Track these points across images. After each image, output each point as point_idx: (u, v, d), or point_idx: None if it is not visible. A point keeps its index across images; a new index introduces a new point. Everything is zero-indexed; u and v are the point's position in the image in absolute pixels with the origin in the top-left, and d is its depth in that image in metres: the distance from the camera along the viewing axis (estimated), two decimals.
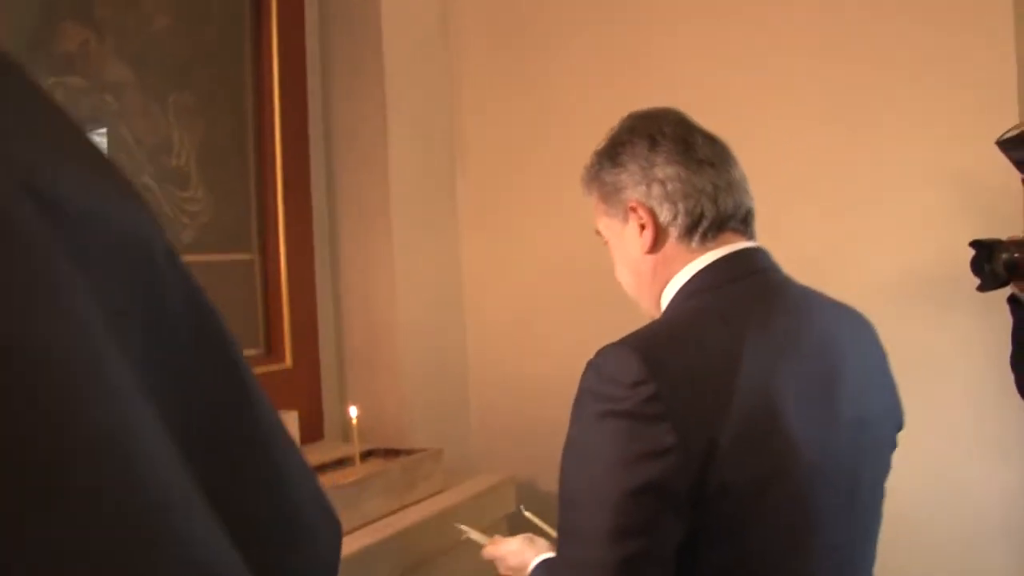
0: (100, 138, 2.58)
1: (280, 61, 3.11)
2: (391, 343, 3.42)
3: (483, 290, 3.61)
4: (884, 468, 1.44)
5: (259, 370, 3.07)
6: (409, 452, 3.13)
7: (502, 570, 1.64)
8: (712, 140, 1.43)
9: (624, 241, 1.45)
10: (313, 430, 3.33)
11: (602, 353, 1.26)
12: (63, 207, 0.50)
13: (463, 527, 1.95)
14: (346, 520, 1.67)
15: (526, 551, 1.58)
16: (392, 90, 3.33)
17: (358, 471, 2.82)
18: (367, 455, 3.10)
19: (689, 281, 1.37)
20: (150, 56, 2.70)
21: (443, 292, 3.59)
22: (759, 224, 1.48)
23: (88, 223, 0.51)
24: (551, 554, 1.51)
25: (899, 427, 1.48)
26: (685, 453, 1.17)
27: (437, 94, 3.59)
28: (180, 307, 0.61)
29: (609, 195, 1.45)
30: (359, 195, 3.42)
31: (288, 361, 3.20)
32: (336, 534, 0.70)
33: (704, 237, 1.37)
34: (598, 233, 1.52)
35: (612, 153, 1.44)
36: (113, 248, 0.54)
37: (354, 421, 2.79)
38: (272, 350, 3.19)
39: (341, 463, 3.02)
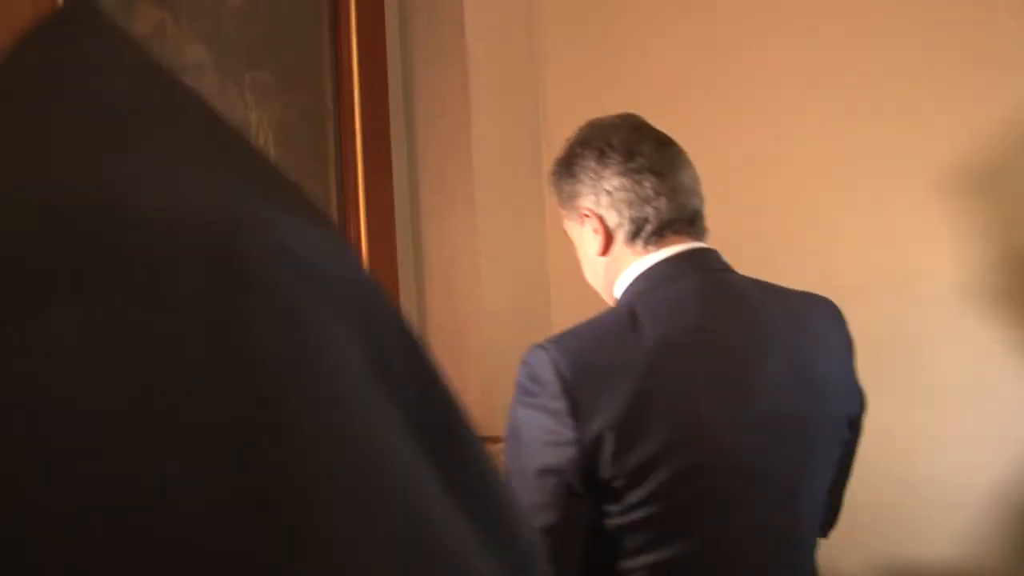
0: None
1: (359, 39, 3.01)
2: (477, 331, 3.28)
3: (569, 277, 3.44)
4: (823, 455, 1.49)
5: None
6: (495, 440, 3.01)
7: None
8: (663, 145, 1.54)
9: (582, 241, 1.61)
10: None
11: (528, 351, 1.45)
12: (315, 267, 0.43)
13: None
14: None
15: None
16: (475, 74, 3.20)
17: None
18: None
19: (633, 281, 1.50)
20: (225, 35, 2.63)
21: (529, 279, 3.43)
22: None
23: (335, 282, 0.45)
24: None
25: (855, 413, 1.55)
26: (579, 445, 1.33)
27: (522, 79, 3.44)
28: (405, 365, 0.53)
29: (566, 202, 1.61)
30: (442, 181, 3.31)
31: None
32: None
33: (648, 240, 1.50)
34: (565, 231, 1.69)
35: (567, 163, 1.60)
36: (359, 307, 0.48)
37: None
38: None
39: None
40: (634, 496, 1.36)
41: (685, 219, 1.52)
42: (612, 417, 1.34)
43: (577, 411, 1.35)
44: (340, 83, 2.99)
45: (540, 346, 1.44)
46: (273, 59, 2.79)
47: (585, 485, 1.36)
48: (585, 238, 1.60)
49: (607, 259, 1.57)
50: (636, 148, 1.52)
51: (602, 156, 1.54)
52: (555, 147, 3.42)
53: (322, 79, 2.97)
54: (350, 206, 3.04)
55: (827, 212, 2.73)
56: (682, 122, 2.88)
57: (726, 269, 1.53)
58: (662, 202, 1.49)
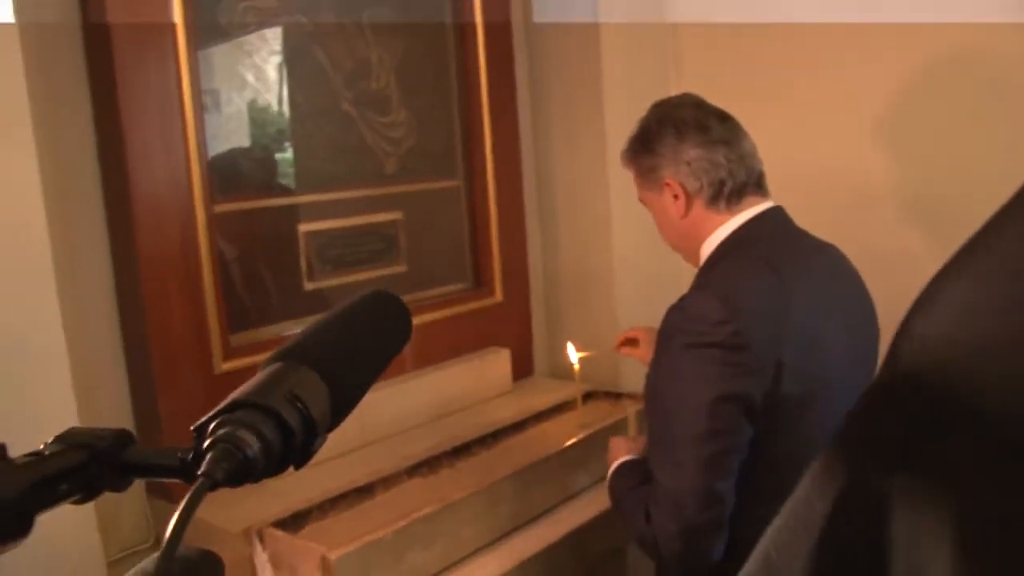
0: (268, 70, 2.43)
1: None
2: (607, 276, 3.15)
3: None
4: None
5: (468, 306, 2.90)
6: (631, 396, 2.90)
7: (608, 457, 1.96)
8: (724, 119, 1.74)
9: (663, 208, 1.79)
10: (523, 367, 3.13)
11: (687, 298, 1.63)
12: None
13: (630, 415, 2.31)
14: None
15: (621, 451, 1.91)
16: (606, 3, 3.00)
17: (582, 415, 2.63)
18: (587, 397, 2.89)
19: (727, 238, 1.72)
20: None
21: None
22: None
23: None
24: (628, 457, 1.86)
25: (877, 338, 1.80)
26: (761, 373, 1.54)
27: (653, 9, 3.22)
28: None
29: (646, 174, 1.80)
30: (569, 117, 3.14)
31: (499, 295, 3.00)
32: None
33: (729, 202, 1.72)
34: (641, 201, 1.87)
35: (645, 141, 1.78)
36: None
37: (576, 365, 2.56)
38: (482, 283, 3.00)
39: (560, 408, 2.83)
40: (781, 408, 1.58)
41: (754, 181, 1.74)
42: (783, 346, 1.56)
43: (753, 345, 1.54)
44: (461, 15, 2.84)
45: (701, 292, 1.63)
46: None
47: (760, 405, 1.56)
48: (665, 204, 1.78)
49: (688, 219, 1.76)
50: (706, 123, 1.72)
51: (679, 132, 1.72)
52: (686, 78, 3.32)
53: (443, 11, 2.82)
54: (476, 145, 2.92)
55: None
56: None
57: (791, 221, 1.78)
58: (733, 167, 1.70)
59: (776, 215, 1.78)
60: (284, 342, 0.82)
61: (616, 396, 2.92)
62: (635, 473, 1.82)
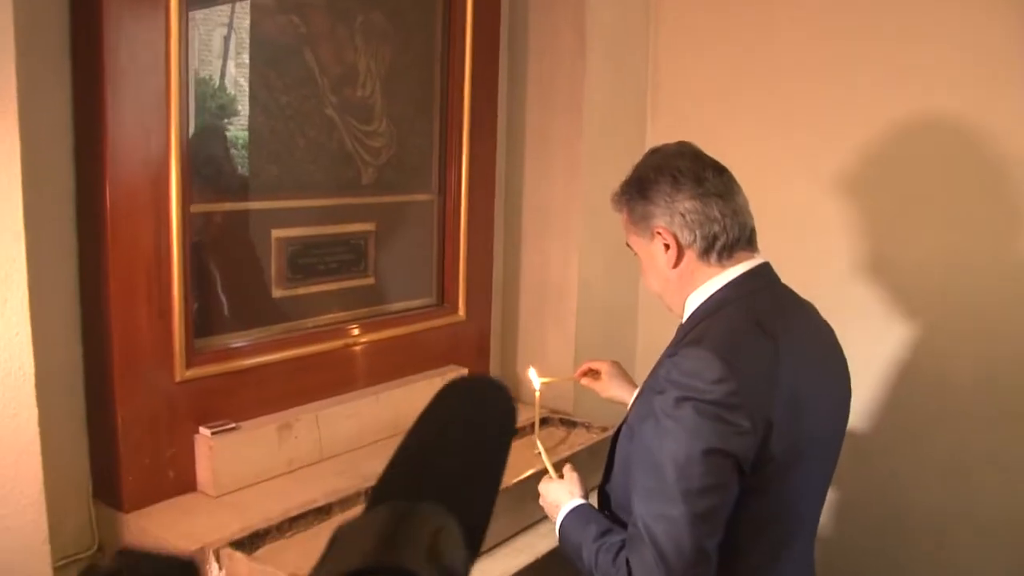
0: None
1: None
2: (568, 299, 3.14)
3: None
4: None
5: (430, 323, 2.86)
6: (585, 425, 2.89)
7: (541, 502, 1.93)
8: (720, 172, 1.74)
9: (651, 256, 1.78)
10: None
11: (683, 353, 1.60)
12: None
13: (540, 447, 2.14)
14: None
15: (563, 495, 1.87)
16: (592, 24, 2.99)
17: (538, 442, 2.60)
18: (541, 423, 2.87)
19: (717, 292, 1.72)
20: None
21: (624, 247, 3.28)
22: None
23: None
24: (582, 501, 1.84)
25: (850, 399, 1.83)
26: (753, 433, 1.54)
27: (636, 32, 3.22)
28: None
29: (638, 221, 1.77)
30: (545, 138, 3.12)
31: (461, 312, 2.96)
32: None
33: (720, 256, 1.71)
34: (628, 246, 1.85)
35: (640, 188, 1.76)
36: None
37: (537, 391, 2.53)
38: (446, 300, 2.96)
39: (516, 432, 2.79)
40: (768, 467, 1.59)
41: (746, 237, 1.74)
42: (773, 407, 1.57)
43: (748, 405, 1.54)
44: (451, 28, 2.79)
45: (699, 348, 1.60)
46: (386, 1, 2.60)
47: (749, 465, 1.57)
48: (655, 252, 1.77)
49: (677, 271, 1.75)
50: (702, 175, 1.71)
51: (675, 182, 1.71)
52: (660, 111, 3.35)
53: (433, 22, 2.77)
54: (452, 159, 2.87)
55: None
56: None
57: (778, 278, 1.79)
58: (727, 222, 1.70)
59: (765, 272, 1.77)
60: (385, 480, 0.75)
61: (571, 424, 2.91)
62: (592, 520, 1.79)
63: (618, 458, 1.84)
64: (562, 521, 1.84)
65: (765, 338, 1.63)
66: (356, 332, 2.63)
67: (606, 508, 1.86)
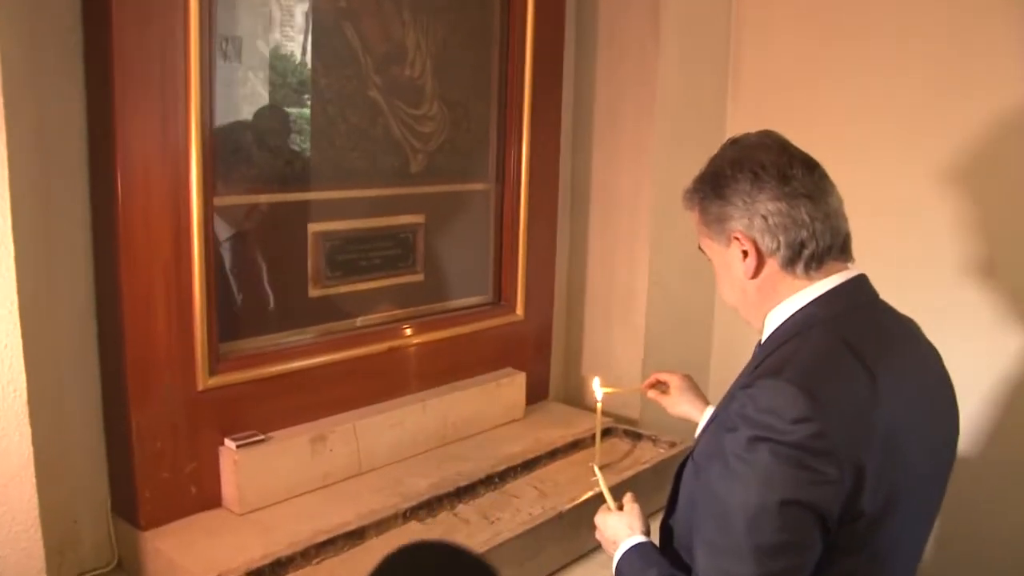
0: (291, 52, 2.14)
1: None
2: (635, 300, 2.89)
3: None
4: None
5: (486, 323, 2.64)
6: (652, 438, 2.64)
7: (597, 535, 1.72)
8: (810, 169, 1.48)
9: (727, 263, 1.53)
10: (538, 391, 2.87)
11: (760, 385, 1.36)
12: None
13: (598, 474, 1.86)
14: None
15: (622, 530, 1.66)
16: (666, 3, 2.72)
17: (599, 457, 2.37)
18: (604, 434, 2.64)
19: (803, 308, 1.47)
20: None
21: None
22: None
23: None
24: (643, 539, 1.63)
25: (958, 435, 1.57)
26: (840, 482, 1.31)
27: (715, 13, 2.92)
28: None
29: (712, 223, 1.52)
30: (614, 122, 2.86)
31: (519, 311, 2.73)
32: None
33: (807, 267, 1.46)
34: (701, 250, 1.60)
35: (716, 185, 1.50)
36: None
37: (598, 403, 2.29)
38: (503, 298, 2.73)
39: (575, 445, 2.57)
40: (856, 523, 1.36)
41: (839, 245, 1.49)
42: (866, 452, 1.34)
43: (838, 451, 1.31)
44: (510, 4, 2.54)
45: (779, 379, 1.35)
46: None
47: (836, 520, 1.34)
48: (732, 260, 1.52)
49: (757, 282, 1.51)
50: (789, 171, 1.46)
51: (756, 179, 1.46)
52: (743, 93, 3.05)
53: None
54: (512, 144, 2.63)
55: None
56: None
57: (876, 293, 1.54)
58: (817, 227, 1.45)
59: (861, 286, 1.52)
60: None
61: (636, 436, 2.67)
62: (653, 563, 1.58)
63: (683, 494, 1.59)
64: (619, 560, 1.64)
65: (859, 367, 1.39)
66: (402, 333, 2.43)
67: (668, 545, 1.63)
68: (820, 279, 1.47)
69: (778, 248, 1.46)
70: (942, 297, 2.47)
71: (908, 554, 1.52)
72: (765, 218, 1.45)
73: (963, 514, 2.42)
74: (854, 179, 1.55)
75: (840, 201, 1.50)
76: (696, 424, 1.96)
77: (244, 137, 2.07)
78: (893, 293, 1.55)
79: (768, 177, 1.46)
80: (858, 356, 1.40)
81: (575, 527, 2.13)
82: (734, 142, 1.56)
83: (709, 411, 1.95)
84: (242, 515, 2.04)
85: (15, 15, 1.64)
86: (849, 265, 1.52)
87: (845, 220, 1.50)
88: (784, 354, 1.43)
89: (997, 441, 2.47)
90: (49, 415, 1.83)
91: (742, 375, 1.51)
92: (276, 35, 2.09)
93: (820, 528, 1.33)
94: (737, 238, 1.49)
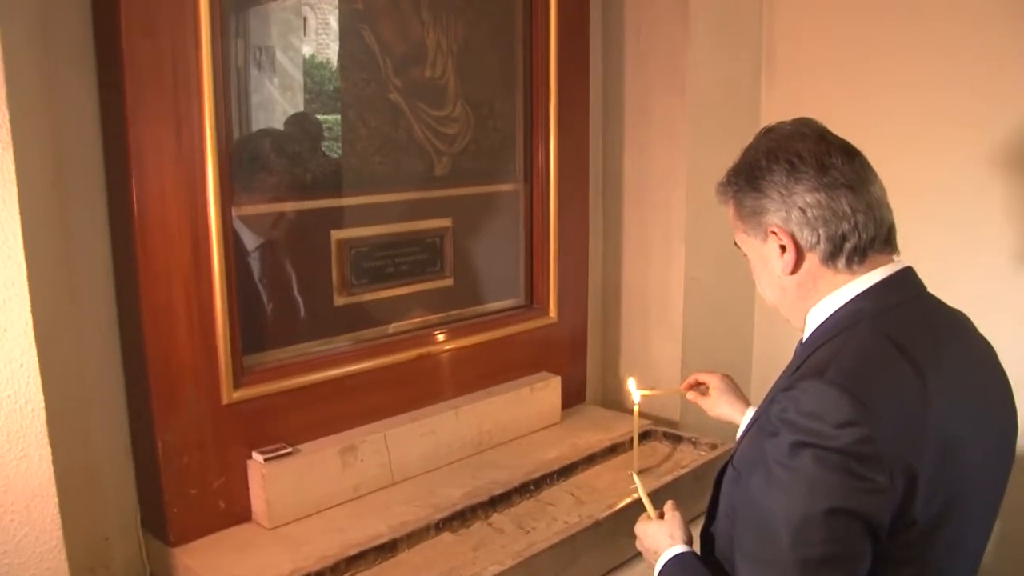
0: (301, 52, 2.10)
1: None
2: (672, 298, 2.81)
3: None
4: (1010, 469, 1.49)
5: (518, 327, 2.58)
6: (691, 440, 2.56)
7: (638, 544, 1.68)
8: (850, 157, 1.41)
9: (765, 259, 1.47)
10: (574, 394, 2.81)
11: (802, 387, 1.29)
12: None
13: (637, 482, 1.83)
14: None
15: (663, 539, 1.61)
16: None
17: (637, 460, 2.30)
18: (643, 436, 2.56)
19: (846, 305, 1.40)
20: None
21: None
22: None
23: None
24: (684, 548, 1.58)
25: (1017, 434, 1.49)
26: (891, 490, 1.24)
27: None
28: None
29: (748, 217, 1.46)
30: (645, 115, 2.79)
31: (553, 314, 2.67)
32: None
33: (850, 261, 1.39)
34: (736, 245, 1.54)
35: (750, 177, 1.44)
36: None
37: (635, 406, 2.22)
38: (535, 301, 2.67)
39: (613, 449, 2.50)
40: (908, 532, 1.29)
41: (883, 236, 1.41)
42: (918, 457, 1.27)
43: (887, 456, 1.24)
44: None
45: (823, 382, 1.28)
46: None
47: (886, 531, 1.27)
48: (769, 255, 1.46)
49: (796, 278, 1.44)
50: (827, 161, 1.39)
51: (793, 170, 1.39)
52: (778, 82, 2.96)
53: None
54: (539, 143, 2.57)
55: None
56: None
57: (923, 287, 1.46)
58: (859, 219, 1.38)
59: (907, 280, 1.43)
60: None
61: (676, 439, 2.59)
62: (695, 574, 1.52)
63: (723, 502, 1.52)
64: (660, 570, 1.58)
65: (908, 366, 1.31)
66: (432, 340, 2.38)
67: (709, 554, 1.56)
68: (864, 273, 1.40)
69: (818, 242, 1.39)
70: (993, 287, 2.36)
71: (965, 563, 1.44)
72: (803, 210, 1.38)
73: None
74: (896, 166, 1.46)
75: (883, 190, 1.42)
76: (737, 426, 1.89)
77: (262, 145, 2.04)
78: (940, 285, 1.46)
79: (805, 167, 1.39)
80: (906, 354, 1.32)
81: (613, 535, 2.07)
82: (768, 131, 1.49)
83: (750, 412, 1.88)
84: (272, 529, 2.00)
85: (28, 26, 1.62)
86: (895, 257, 1.44)
87: (889, 210, 1.43)
88: (827, 353, 1.36)
89: None
90: (74, 433, 1.82)
91: (783, 376, 1.44)
92: (292, 40, 2.05)
93: (869, 538, 1.26)
94: (774, 232, 1.42)
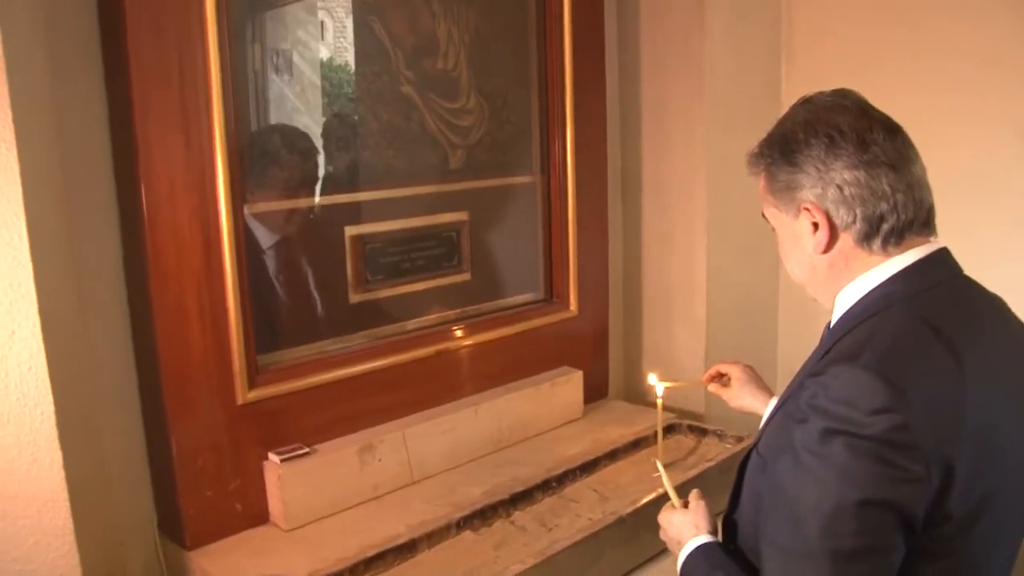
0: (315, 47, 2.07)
1: None
2: (694, 289, 2.75)
3: None
4: None
5: (538, 321, 2.54)
6: (717, 432, 2.51)
7: (661, 535, 1.65)
8: (892, 133, 1.34)
9: (795, 235, 1.41)
10: (597, 388, 2.76)
11: (833, 373, 1.24)
12: None
13: (661, 470, 1.77)
14: None
15: (687, 529, 1.58)
16: None
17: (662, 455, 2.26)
18: (667, 430, 2.51)
19: (879, 286, 1.35)
20: None
21: (761, 227, 2.86)
22: None
23: None
24: (709, 538, 1.54)
25: None
26: (927, 480, 1.20)
27: None
28: None
29: (780, 191, 1.39)
30: (663, 102, 2.73)
31: (573, 307, 2.62)
32: None
33: (886, 243, 1.34)
34: (764, 218, 1.46)
35: (786, 150, 1.37)
36: None
37: (659, 399, 2.17)
38: (555, 294, 2.62)
39: (636, 444, 2.46)
40: (944, 525, 1.24)
41: (922, 218, 1.35)
42: (956, 446, 1.22)
43: (923, 445, 1.19)
44: None
45: (857, 367, 1.23)
46: None
47: (920, 522, 1.22)
48: (800, 232, 1.39)
49: (828, 257, 1.38)
50: (868, 137, 1.32)
51: (833, 144, 1.33)
52: (798, 69, 2.89)
53: None
54: (555, 133, 2.53)
55: None
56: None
57: (960, 269, 1.40)
58: (899, 199, 1.32)
59: (943, 261, 1.37)
60: None
61: (701, 431, 2.54)
62: (720, 566, 1.47)
63: (746, 489, 1.48)
64: (684, 560, 1.54)
65: (945, 351, 1.26)
66: (450, 336, 2.34)
67: (732, 541, 1.52)
68: (898, 254, 1.35)
69: (854, 222, 1.33)
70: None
71: (1003, 557, 1.38)
72: (841, 188, 1.32)
73: None
74: (926, 144, 1.40)
75: (923, 169, 1.36)
76: (760, 418, 1.84)
77: (272, 141, 2.01)
78: (976, 268, 1.40)
79: (845, 143, 1.32)
80: (943, 338, 1.27)
81: (636, 531, 2.02)
82: (806, 101, 1.42)
83: (774, 403, 1.82)
84: (289, 531, 1.98)
85: (32, 24, 1.60)
86: (931, 239, 1.38)
87: (929, 191, 1.36)
88: (859, 337, 1.30)
89: None
90: (87, 436, 1.80)
91: (810, 360, 1.39)
92: (302, 34, 2.02)
93: (903, 530, 1.21)
94: (808, 209, 1.36)
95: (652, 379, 2.18)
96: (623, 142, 2.85)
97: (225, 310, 1.87)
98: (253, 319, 1.93)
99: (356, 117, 2.13)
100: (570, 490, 2.24)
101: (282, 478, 1.96)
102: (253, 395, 1.93)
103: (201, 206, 1.82)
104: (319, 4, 2.05)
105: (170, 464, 1.87)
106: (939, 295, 1.34)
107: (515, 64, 2.46)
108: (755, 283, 2.84)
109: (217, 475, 1.92)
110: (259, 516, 2.00)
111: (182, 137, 1.78)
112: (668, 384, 2.18)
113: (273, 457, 1.98)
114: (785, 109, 1.45)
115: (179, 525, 1.91)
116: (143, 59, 1.71)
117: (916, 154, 1.36)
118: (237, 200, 1.86)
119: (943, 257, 1.37)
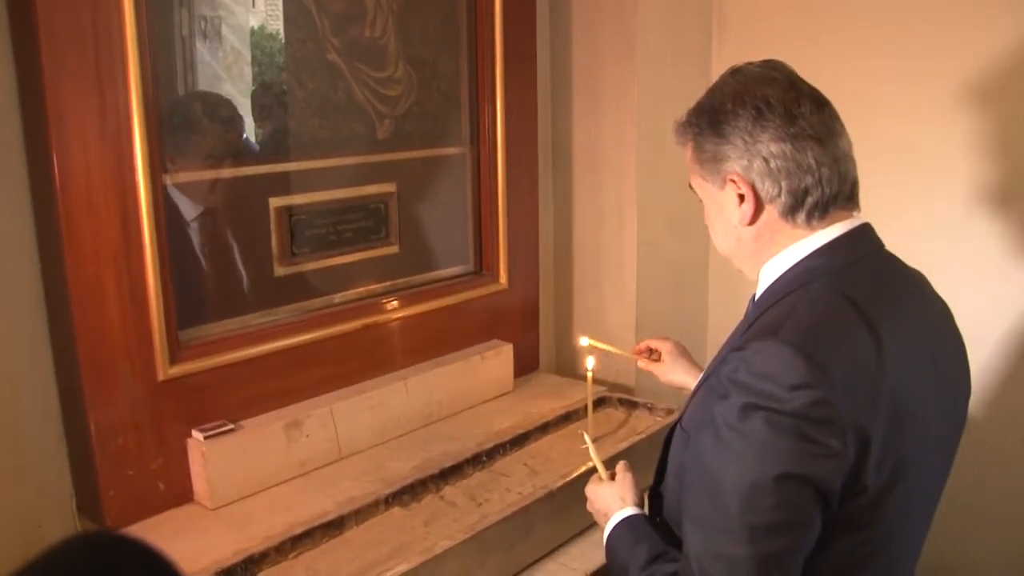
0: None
1: None
2: (625, 261, 2.76)
3: None
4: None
5: (468, 294, 2.52)
6: (647, 406, 2.53)
7: (588, 507, 1.66)
8: (819, 106, 1.35)
9: (720, 207, 1.41)
10: (527, 362, 2.76)
11: (754, 348, 1.25)
12: None
13: (588, 442, 1.83)
14: None
15: (614, 501, 1.60)
16: None
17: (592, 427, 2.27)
18: (597, 403, 2.52)
19: (802, 260, 1.36)
20: None
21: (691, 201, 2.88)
22: None
23: None
24: (634, 511, 1.56)
25: (969, 396, 1.48)
26: (845, 456, 1.21)
27: None
28: None
29: (707, 162, 1.39)
30: (594, 73, 2.72)
31: (503, 280, 2.61)
32: None
33: (810, 216, 1.34)
34: (691, 188, 1.47)
35: (713, 120, 1.37)
36: None
37: (589, 372, 2.18)
38: (485, 267, 2.61)
39: (567, 417, 2.46)
40: (858, 498, 1.25)
41: (846, 192, 1.36)
42: (872, 420, 1.23)
43: (841, 420, 1.19)
44: None
45: (777, 342, 1.23)
46: None
47: (837, 496, 1.23)
48: (726, 203, 1.39)
49: (753, 229, 1.38)
50: (796, 110, 1.32)
51: (759, 117, 1.33)
52: (729, 43, 2.90)
53: None
54: (485, 104, 2.49)
55: None
56: None
57: (882, 244, 1.42)
58: (824, 173, 1.32)
59: (865, 236, 1.38)
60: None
61: (632, 404, 2.56)
62: (644, 538, 1.49)
63: (671, 463, 1.49)
64: (609, 533, 1.55)
65: (864, 326, 1.27)
66: (378, 309, 2.31)
67: (658, 514, 1.53)
68: (822, 228, 1.35)
69: (779, 194, 1.33)
70: (949, 244, 2.35)
71: (916, 526, 1.43)
72: (767, 160, 1.32)
73: (974, 471, 2.32)
74: (850, 119, 1.41)
75: (850, 144, 1.37)
76: (690, 392, 1.86)
77: (194, 109, 1.94)
78: (896, 241, 1.42)
79: (773, 115, 1.32)
80: (862, 313, 1.28)
81: (567, 506, 2.02)
82: (736, 71, 1.41)
83: None
84: (215, 510, 1.93)
85: None
86: (855, 214, 1.39)
87: (854, 164, 1.37)
88: (781, 311, 1.31)
89: (1011, 391, 2.36)
90: (2, 417, 1.73)
91: (734, 334, 1.40)
92: (230, 0, 1.95)
93: (820, 504, 1.22)
94: (733, 180, 1.36)
95: (584, 341, 2.18)
96: (554, 115, 2.83)
97: (144, 283, 1.80)
98: (175, 293, 1.87)
99: (284, 86, 2.07)
100: (500, 464, 2.23)
101: (206, 455, 1.91)
102: (175, 371, 1.88)
103: (118, 175, 1.74)
104: None
105: (88, 443, 1.80)
106: (860, 270, 1.34)
107: (444, 33, 2.41)
108: (685, 257, 2.87)
109: (138, 454, 1.87)
110: (183, 495, 1.95)
111: (97, 103, 1.70)
112: (600, 345, 2.17)
113: (197, 434, 1.93)
114: (715, 78, 1.44)
115: (99, 506, 1.85)
116: (53, 20, 1.63)
117: (843, 128, 1.36)
118: (156, 169, 1.79)
119: (866, 232, 1.38)
